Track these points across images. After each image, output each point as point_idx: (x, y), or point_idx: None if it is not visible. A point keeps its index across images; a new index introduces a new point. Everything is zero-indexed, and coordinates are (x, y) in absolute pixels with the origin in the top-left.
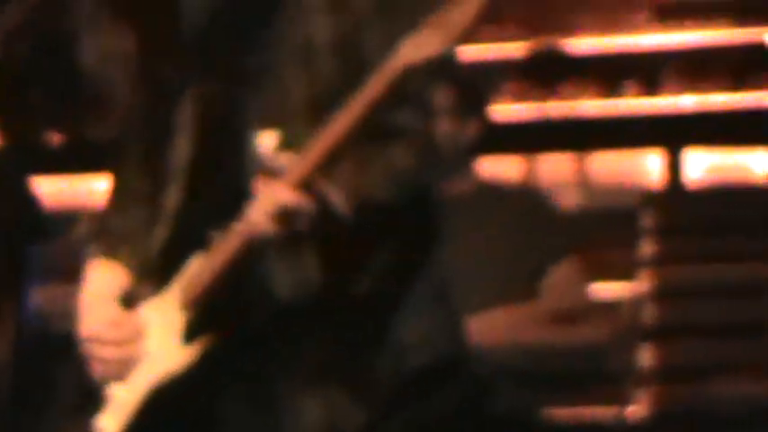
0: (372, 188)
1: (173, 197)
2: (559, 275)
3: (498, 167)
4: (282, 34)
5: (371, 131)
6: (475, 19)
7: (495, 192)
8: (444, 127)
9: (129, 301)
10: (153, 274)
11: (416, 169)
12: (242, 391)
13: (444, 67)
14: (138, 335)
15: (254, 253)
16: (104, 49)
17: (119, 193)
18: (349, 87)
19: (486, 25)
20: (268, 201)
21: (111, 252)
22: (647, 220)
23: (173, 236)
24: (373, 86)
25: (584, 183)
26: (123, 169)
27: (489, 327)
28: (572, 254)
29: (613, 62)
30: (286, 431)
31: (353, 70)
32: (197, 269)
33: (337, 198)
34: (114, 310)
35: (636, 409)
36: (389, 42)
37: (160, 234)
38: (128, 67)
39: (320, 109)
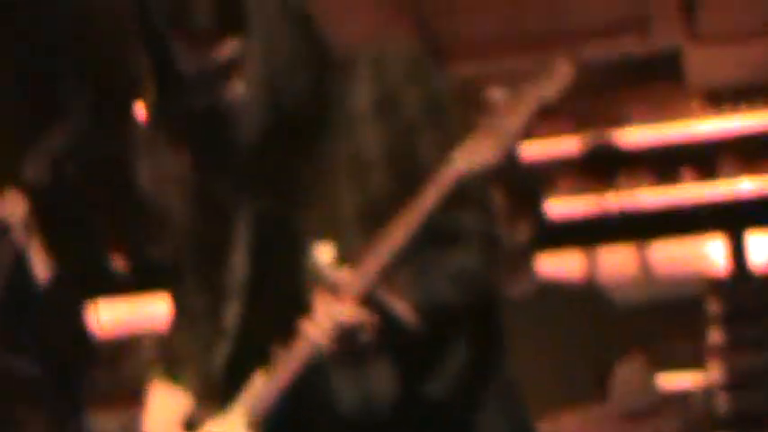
0: (438, 293)
1: (232, 314)
2: (627, 372)
3: (558, 264)
4: (333, 146)
5: (434, 236)
6: (528, 123)
7: (556, 291)
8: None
9: (193, 424)
10: (216, 394)
11: (482, 270)
12: None
13: (501, 171)
14: None
15: (315, 369)
16: (160, 172)
17: (179, 313)
18: (402, 195)
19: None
20: (327, 317)
21: (173, 374)
22: (713, 308)
23: (234, 353)
24: (428, 196)
25: (646, 274)
26: (182, 290)
27: (560, 430)
28: (638, 348)
29: (669, 150)
30: None
31: (406, 178)
32: (261, 387)
33: (401, 307)
34: None
35: None
36: (441, 148)
37: (221, 352)
38: (183, 189)
39: (373, 219)
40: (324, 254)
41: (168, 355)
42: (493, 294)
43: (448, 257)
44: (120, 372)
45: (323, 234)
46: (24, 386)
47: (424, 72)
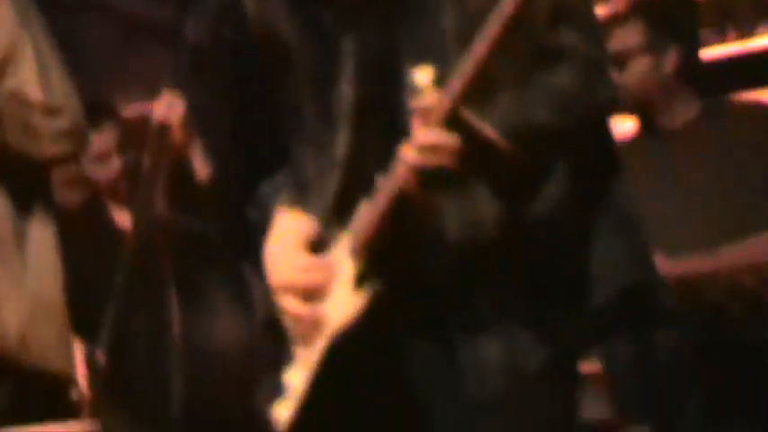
0: (533, 115)
1: (341, 143)
2: None
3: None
4: None
5: (533, 55)
6: None
7: (726, 113)
8: (640, 66)
9: (318, 248)
10: (331, 223)
11: (584, 92)
12: (419, 339)
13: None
14: (331, 278)
15: (416, 197)
16: (265, 8)
17: (302, 143)
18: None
19: None
20: (416, 140)
21: (296, 201)
22: None
23: (344, 182)
24: (507, 4)
25: None
26: (300, 120)
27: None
28: None
29: None
30: (465, 375)
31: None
32: (363, 215)
33: (490, 129)
34: (304, 256)
35: None
36: None
37: (334, 180)
38: (288, 17)
39: (473, 42)
40: (422, 77)
41: (291, 184)
42: (598, 117)
43: (547, 77)
44: None
45: (424, 57)
46: (203, 245)
47: None
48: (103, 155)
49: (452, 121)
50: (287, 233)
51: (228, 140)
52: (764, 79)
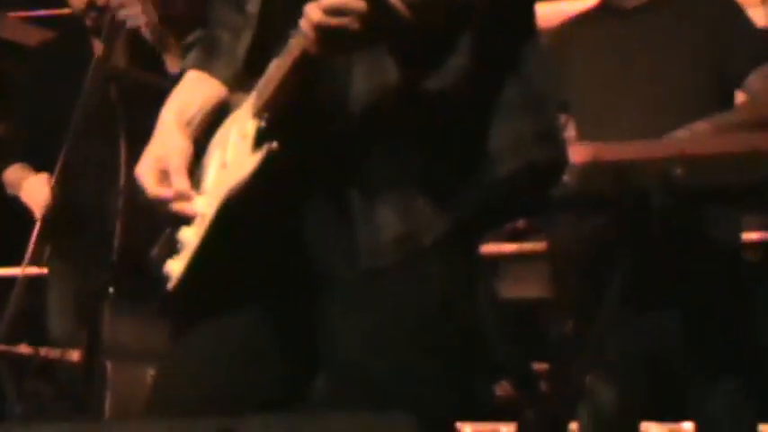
0: None
1: (254, 0)
2: (759, 81)
3: None
4: None
5: None
6: None
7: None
8: None
9: (225, 112)
10: (243, 81)
11: None
12: (317, 203)
13: None
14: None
15: (320, 58)
16: None
17: (213, 9)
18: None
19: None
20: (318, 4)
21: (206, 61)
22: None
23: (257, 39)
24: None
25: None
26: None
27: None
28: None
29: None
30: (361, 240)
31: None
32: (269, 74)
33: None
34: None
35: None
36: None
37: (244, 40)
38: None
39: None
40: None
41: (200, 45)
42: (510, 4)
43: None
44: None
45: None
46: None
47: None
48: None
49: None
50: (189, 94)
51: None
52: None
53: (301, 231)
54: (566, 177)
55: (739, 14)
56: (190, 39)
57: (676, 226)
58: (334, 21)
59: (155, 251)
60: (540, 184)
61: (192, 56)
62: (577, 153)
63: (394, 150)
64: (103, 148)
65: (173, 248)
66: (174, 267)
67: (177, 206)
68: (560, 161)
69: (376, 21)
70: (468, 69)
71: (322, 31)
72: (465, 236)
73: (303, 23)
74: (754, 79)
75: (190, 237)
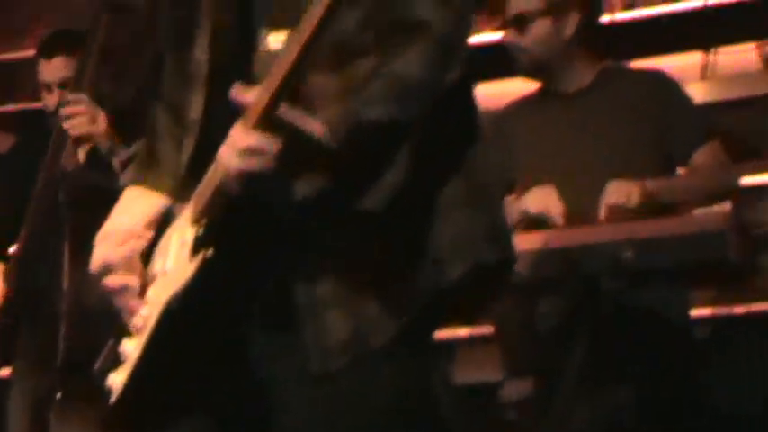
0: (366, 109)
1: (195, 107)
2: (704, 157)
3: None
4: None
5: (380, 32)
6: None
7: (620, 79)
8: (540, 29)
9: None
10: (184, 192)
11: (429, 78)
12: (260, 306)
13: None
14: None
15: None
16: None
17: (153, 119)
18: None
19: None
20: (233, 142)
21: (144, 176)
22: None
23: (197, 149)
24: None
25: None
26: (159, 83)
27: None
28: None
29: None
30: (309, 344)
31: None
32: (205, 180)
33: (314, 127)
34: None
35: None
36: None
37: (187, 148)
38: None
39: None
40: (276, 43)
41: (145, 157)
42: (447, 97)
43: (393, 65)
44: None
45: (280, 22)
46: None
47: None
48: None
49: (271, 120)
50: (131, 210)
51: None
52: (660, 45)
53: (247, 340)
54: (516, 265)
55: (679, 94)
56: (130, 152)
57: (627, 306)
58: (247, 163)
59: (98, 363)
60: (489, 283)
61: (131, 172)
62: (527, 241)
63: (337, 256)
64: (58, 245)
65: (116, 360)
66: (116, 380)
67: (126, 302)
68: (508, 260)
69: (294, 152)
70: (405, 182)
71: (237, 172)
72: (415, 334)
73: (218, 166)
74: (698, 157)
75: (131, 349)
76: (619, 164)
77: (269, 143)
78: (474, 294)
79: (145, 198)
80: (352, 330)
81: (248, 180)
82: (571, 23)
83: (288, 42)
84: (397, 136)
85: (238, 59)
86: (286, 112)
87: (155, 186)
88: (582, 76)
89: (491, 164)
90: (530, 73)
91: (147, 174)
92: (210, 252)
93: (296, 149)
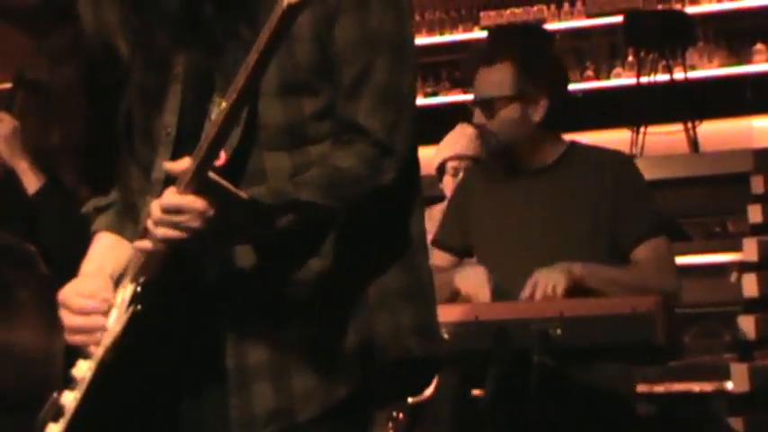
0: (300, 190)
1: (159, 167)
2: (647, 252)
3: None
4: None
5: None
6: None
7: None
8: (509, 113)
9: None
10: None
11: (362, 177)
12: (190, 376)
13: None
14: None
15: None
16: (101, 15)
17: (122, 167)
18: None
19: None
20: (162, 203)
21: (116, 224)
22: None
23: None
24: (253, 56)
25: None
26: (127, 145)
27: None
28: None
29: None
30: (233, 412)
31: (329, 58)
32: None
33: (241, 194)
34: (98, 283)
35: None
36: (362, 32)
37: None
38: (125, 33)
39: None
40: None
41: (122, 201)
42: (377, 197)
43: (334, 154)
44: None
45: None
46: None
47: None
48: None
49: (199, 182)
50: (102, 257)
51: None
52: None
53: (178, 401)
54: (446, 335)
55: (637, 184)
56: (103, 202)
57: (565, 381)
58: (174, 222)
59: (41, 414)
60: (417, 374)
61: (106, 219)
62: (459, 312)
63: (267, 326)
64: None
65: (57, 412)
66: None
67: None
68: (436, 356)
69: (220, 218)
70: (333, 271)
71: (163, 232)
72: (342, 410)
73: (145, 220)
74: (638, 252)
75: (69, 401)
76: (564, 246)
77: (194, 201)
78: (398, 384)
79: (119, 245)
80: (279, 403)
81: (172, 237)
82: (540, 110)
83: (222, 107)
84: (325, 222)
85: (199, 124)
86: (214, 176)
87: (126, 237)
88: (546, 154)
89: (429, 264)
90: (496, 154)
91: (120, 224)
92: (139, 307)
93: (224, 212)
